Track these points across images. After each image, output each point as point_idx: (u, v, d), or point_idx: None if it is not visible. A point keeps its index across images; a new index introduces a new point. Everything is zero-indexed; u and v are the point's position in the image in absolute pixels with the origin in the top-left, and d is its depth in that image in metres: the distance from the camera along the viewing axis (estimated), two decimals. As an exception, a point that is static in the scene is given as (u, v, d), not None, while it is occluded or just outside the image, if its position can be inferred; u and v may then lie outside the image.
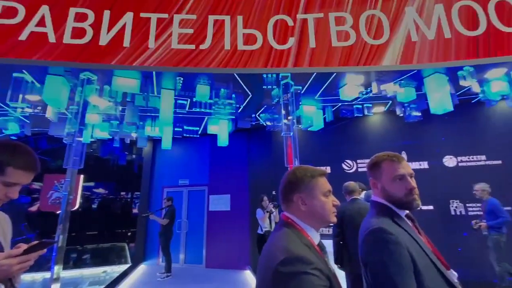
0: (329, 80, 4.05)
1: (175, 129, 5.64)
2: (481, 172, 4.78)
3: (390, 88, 4.10)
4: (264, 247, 0.96)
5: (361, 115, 5.12)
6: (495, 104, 4.47)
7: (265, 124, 5.39)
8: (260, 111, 5.30)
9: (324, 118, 5.31)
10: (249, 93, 4.54)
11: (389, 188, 1.16)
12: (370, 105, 5.06)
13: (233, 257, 6.00)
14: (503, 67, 3.68)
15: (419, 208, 1.17)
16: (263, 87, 3.88)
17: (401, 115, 4.94)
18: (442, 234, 4.73)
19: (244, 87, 4.27)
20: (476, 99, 4.86)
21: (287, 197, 1.01)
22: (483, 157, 4.86)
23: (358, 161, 5.46)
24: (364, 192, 3.44)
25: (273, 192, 4.65)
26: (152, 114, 5.21)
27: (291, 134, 3.77)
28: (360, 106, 5.11)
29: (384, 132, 5.49)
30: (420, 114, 4.76)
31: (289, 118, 3.83)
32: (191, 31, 3.67)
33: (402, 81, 4.03)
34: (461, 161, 4.97)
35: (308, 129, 5.35)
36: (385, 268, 0.97)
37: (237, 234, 6.11)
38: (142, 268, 6.31)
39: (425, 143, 5.20)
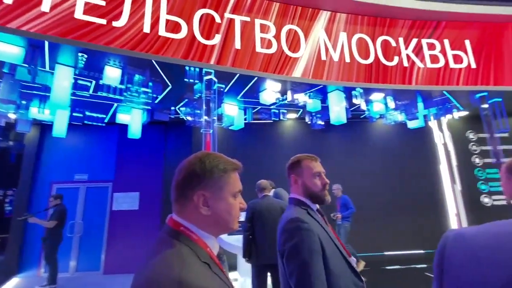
0: (251, 83, 4.23)
1: (74, 114, 4.76)
2: (360, 173, 5.92)
3: (301, 98, 4.61)
4: (140, 271, 0.65)
5: (277, 119, 5.56)
6: (375, 120, 5.64)
7: (185, 119, 5.18)
8: (181, 104, 5.06)
9: (245, 119, 5.51)
10: (169, 84, 4.27)
11: (309, 184, 1.31)
12: (285, 111, 5.56)
13: (138, 261, 5.50)
14: (382, 92, 4.66)
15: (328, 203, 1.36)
16: (185, 80, 3.72)
17: (309, 122, 5.62)
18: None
19: (164, 76, 3.99)
20: (363, 115, 6.00)
21: (183, 194, 0.72)
22: (367, 162, 6.02)
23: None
24: (273, 190, 3.75)
25: None
26: (42, 93, 4.24)
27: (211, 131, 3.75)
28: (277, 111, 5.55)
29: (295, 136, 6.12)
30: (323, 123, 5.53)
31: (210, 115, 3.80)
32: (102, 3, 3.18)
33: (311, 93, 4.58)
34: (353, 162, 6.05)
35: (229, 127, 5.44)
36: (299, 251, 1.11)
37: (145, 235, 5.63)
38: (15, 281, 5.06)
39: (326, 148, 6.07)
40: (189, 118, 5.01)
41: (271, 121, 5.72)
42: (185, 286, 0.57)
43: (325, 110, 5.17)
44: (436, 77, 4.52)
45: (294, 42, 4.13)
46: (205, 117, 3.80)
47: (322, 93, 4.63)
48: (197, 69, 3.71)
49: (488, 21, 4.84)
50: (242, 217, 3.22)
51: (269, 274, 3.04)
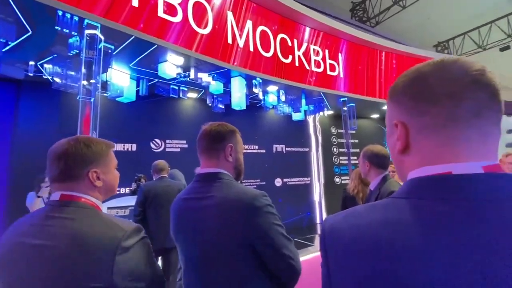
0: (149, 51, 3.72)
1: None
2: (254, 156, 6.49)
3: (205, 78, 4.48)
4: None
5: (176, 96, 5.19)
6: (268, 110, 6.22)
7: (50, 80, 4.00)
8: (45, 60, 3.87)
9: (138, 91, 4.84)
10: (29, 29, 3.15)
11: (241, 158, 1.20)
12: (186, 89, 5.26)
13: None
14: (275, 86, 5.16)
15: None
16: (55, 27, 2.84)
17: (210, 104, 5.57)
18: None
19: (20, 15, 2.90)
20: (259, 104, 6.49)
21: (74, 173, 0.83)
22: (256, 146, 6.61)
23: (167, 141, 5.52)
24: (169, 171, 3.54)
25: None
26: None
27: (92, 100, 3.08)
28: (177, 88, 5.17)
29: (194, 117, 5.93)
30: (223, 107, 5.61)
31: (91, 80, 3.09)
32: None
33: (215, 75, 4.53)
34: (247, 149, 6.49)
35: (116, 99, 4.63)
36: (281, 224, 1.02)
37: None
38: None
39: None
40: (57, 80, 3.90)
41: (169, 97, 5.28)
42: (121, 229, 0.76)
43: (226, 94, 5.24)
44: (318, 80, 5.41)
45: (201, 15, 3.90)
46: (85, 82, 3.08)
47: (225, 77, 4.65)
48: (76, 18, 2.91)
49: (360, 43, 6.19)
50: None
51: (160, 258, 2.89)
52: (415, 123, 0.45)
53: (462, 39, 10.06)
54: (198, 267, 0.99)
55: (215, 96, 5.46)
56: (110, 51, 3.53)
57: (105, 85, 4.27)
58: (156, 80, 4.82)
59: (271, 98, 5.46)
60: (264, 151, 6.60)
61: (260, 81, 4.72)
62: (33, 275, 0.68)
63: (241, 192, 0.99)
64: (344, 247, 0.43)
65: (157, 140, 5.41)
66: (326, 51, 5.63)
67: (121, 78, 4.32)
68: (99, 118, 3.16)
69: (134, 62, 4.09)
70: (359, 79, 6.18)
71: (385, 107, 7.39)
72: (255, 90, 4.84)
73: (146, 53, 3.77)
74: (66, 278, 0.67)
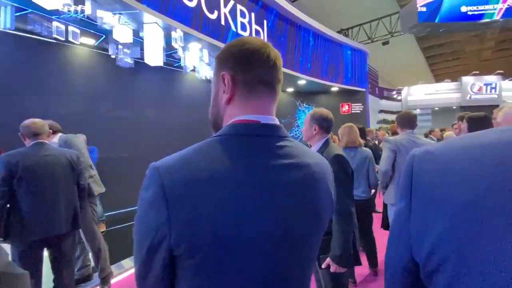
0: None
1: None
2: (166, 125, 5.85)
3: (108, 19, 3.51)
4: None
5: (62, 39, 3.91)
6: (188, 72, 5.60)
7: None
8: None
9: (-5, 21, 3.37)
10: None
11: None
12: (78, 32, 4.03)
13: None
14: (200, 43, 4.63)
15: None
16: None
17: (113, 56, 4.51)
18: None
19: None
20: (177, 64, 5.76)
21: None
22: (175, 114, 5.96)
23: (46, 98, 4.21)
24: (59, 135, 2.67)
25: None
26: None
27: None
28: (64, 28, 3.88)
29: (91, 70, 4.71)
30: (132, 62, 4.66)
31: None
32: None
33: (122, 16, 3.61)
34: (159, 113, 5.72)
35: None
36: None
37: None
38: None
39: (134, 92, 5.26)
40: None
41: (53, 40, 3.95)
42: None
43: (136, 45, 4.34)
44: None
45: None
46: None
47: (136, 21, 3.79)
48: None
49: (285, 14, 6.16)
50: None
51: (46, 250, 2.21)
52: (239, 79, 0.58)
53: (358, 30, 11.71)
54: None
55: (120, 47, 4.44)
56: None
57: None
58: (30, 11, 3.46)
59: (192, 58, 4.89)
60: (180, 119, 6.02)
61: (181, 34, 4.10)
62: None
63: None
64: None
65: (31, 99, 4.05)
66: (253, 14, 5.39)
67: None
68: None
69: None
70: (281, 51, 6.30)
71: (300, 82, 7.93)
72: (175, 45, 4.18)
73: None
74: None
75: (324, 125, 1.60)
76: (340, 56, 8.90)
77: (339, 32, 12.31)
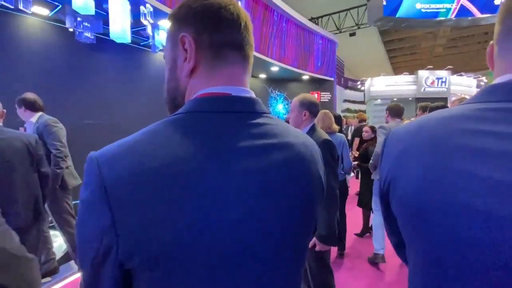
0: None
1: None
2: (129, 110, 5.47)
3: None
4: None
5: (11, 7, 3.35)
6: (157, 51, 5.23)
7: None
8: None
9: None
10: None
11: None
12: (30, 1, 3.48)
13: None
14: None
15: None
16: None
17: (71, 30, 4.03)
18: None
19: None
20: (144, 43, 5.34)
21: None
22: (139, 97, 5.56)
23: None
24: (39, 114, 2.39)
25: None
26: None
27: None
28: (8, -7, 3.32)
29: (45, 44, 4.15)
30: (93, 37, 4.21)
31: None
32: None
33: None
34: (122, 96, 5.29)
35: None
36: None
37: None
38: None
39: (93, 71, 4.77)
40: None
41: (1, 8, 3.37)
42: None
43: (98, 19, 3.92)
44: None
45: None
46: None
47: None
48: None
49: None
50: None
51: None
52: (204, 42, 0.47)
53: (327, 19, 11.93)
54: None
55: (79, 19, 3.97)
56: None
57: None
58: (-38, -33, 2.89)
59: (162, 36, 4.57)
60: (147, 102, 5.66)
61: (151, 9, 3.79)
62: None
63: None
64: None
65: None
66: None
67: None
68: None
69: None
70: (254, 35, 6.19)
71: (273, 68, 7.91)
72: (144, 21, 3.86)
73: None
74: None
75: (314, 110, 1.63)
76: (312, 45, 9.04)
77: (310, 20, 12.47)
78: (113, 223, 0.36)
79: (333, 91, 10.25)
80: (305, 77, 9.53)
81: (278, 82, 9.43)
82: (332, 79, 10.14)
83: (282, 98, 9.70)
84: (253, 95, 0.49)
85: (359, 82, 15.94)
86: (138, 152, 0.38)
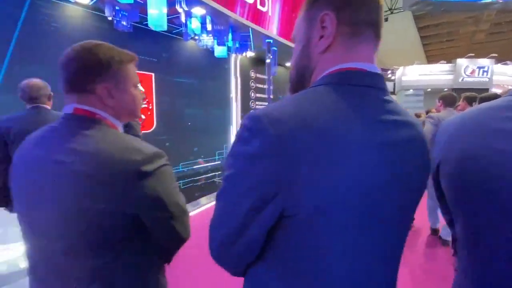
0: None
1: None
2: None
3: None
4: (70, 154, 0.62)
5: (54, -5, 3.53)
6: (188, 39, 5.28)
7: None
8: None
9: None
10: None
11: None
12: (71, -12, 3.64)
13: None
14: (203, 8, 4.32)
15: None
16: None
17: (110, 18, 4.16)
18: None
19: None
20: (176, 31, 5.40)
21: (79, 86, 0.70)
22: (176, 82, 5.69)
23: (32, 67, 3.87)
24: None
25: None
26: None
27: None
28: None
29: (84, 32, 4.33)
30: (129, 26, 4.32)
31: None
32: None
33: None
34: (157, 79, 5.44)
35: None
36: None
37: None
38: None
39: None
40: None
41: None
42: (140, 151, 0.65)
43: (135, 7, 4.01)
44: (249, 13, 4.89)
45: None
46: None
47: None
48: None
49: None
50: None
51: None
52: (344, 20, 0.49)
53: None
54: None
55: (118, 8, 4.09)
56: None
57: None
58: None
59: (195, 25, 4.59)
60: (178, 89, 5.79)
61: (186, -3, 3.80)
62: (54, 190, 0.62)
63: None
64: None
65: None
66: (259, -20, 5.05)
67: None
68: None
69: None
70: (285, 22, 6.04)
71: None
72: (179, 8, 3.89)
73: None
74: (80, 196, 0.60)
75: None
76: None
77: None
78: (278, 175, 0.40)
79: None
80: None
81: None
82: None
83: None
84: (380, 71, 0.53)
85: (389, 71, 15.16)
86: (302, 113, 0.42)
